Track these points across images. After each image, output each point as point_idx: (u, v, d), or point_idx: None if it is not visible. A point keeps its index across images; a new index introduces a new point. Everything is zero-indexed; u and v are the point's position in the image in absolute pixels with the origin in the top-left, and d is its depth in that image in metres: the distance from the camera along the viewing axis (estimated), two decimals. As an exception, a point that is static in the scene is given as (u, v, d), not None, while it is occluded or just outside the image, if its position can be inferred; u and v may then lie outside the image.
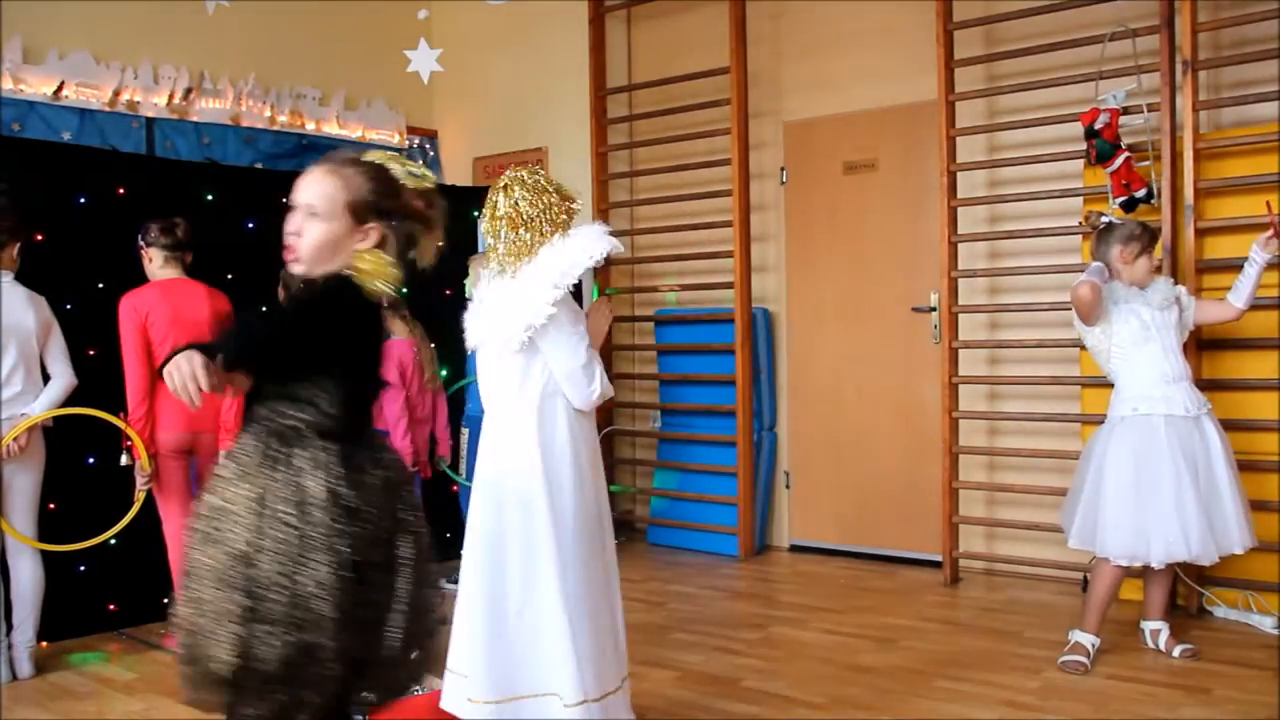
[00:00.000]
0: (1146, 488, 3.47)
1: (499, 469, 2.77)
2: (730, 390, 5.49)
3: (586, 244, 2.72)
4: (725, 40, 5.41)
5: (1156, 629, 3.74)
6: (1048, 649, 3.74)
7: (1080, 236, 4.48)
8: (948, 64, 4.76)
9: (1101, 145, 4.23)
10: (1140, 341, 3.58)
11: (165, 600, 3.78)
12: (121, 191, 4.41)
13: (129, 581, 4.29)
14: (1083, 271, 3.64)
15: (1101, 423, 3.72)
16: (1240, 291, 3.65)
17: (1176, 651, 3.64)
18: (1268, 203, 3.61)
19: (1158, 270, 3.76)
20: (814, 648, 3.90)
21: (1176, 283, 3.85)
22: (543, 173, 2.83)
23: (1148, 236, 3.63)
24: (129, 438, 3.85)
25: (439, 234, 2.23)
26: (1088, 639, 3.60)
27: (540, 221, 2.73)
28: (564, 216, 2.77)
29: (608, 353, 5.88)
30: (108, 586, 4.28)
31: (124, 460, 3.91)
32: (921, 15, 4.91)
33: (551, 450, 2.72)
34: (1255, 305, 4.03)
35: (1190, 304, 3.72)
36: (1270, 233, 3.57)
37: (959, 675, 3.54)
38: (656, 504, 5.95)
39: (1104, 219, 3.70)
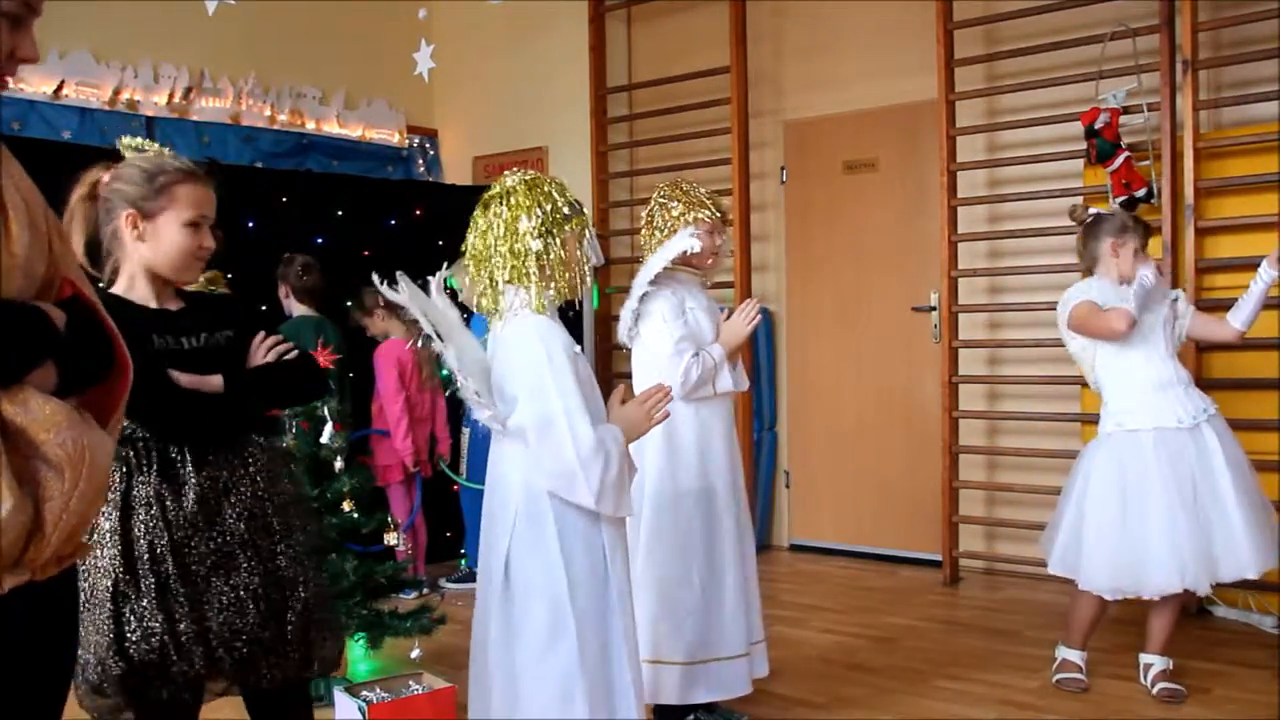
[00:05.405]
0: (1134, 516, 3.17)
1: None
2: (730, 390, 5.47)
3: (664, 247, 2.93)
4: (725, 39, 5.41)
5: (1150, 663, 3.38)
6: (1047, 649, 3.72)
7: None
8: (948, 63, 4.76)
9: (1102, 145, 4.23)
10: (1124, 345, 3.27)
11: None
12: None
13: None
14: (1079, 271, 3.57)
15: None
16: (1240, 312, 3.31)
17: (1157, 689, 3.28)
18: None
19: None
20: (814, 647, 3.90)
21: (1175, 286, 3.78)
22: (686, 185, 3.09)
23: (1141, 229, 3.35)
24: None
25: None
26: (1075, 655, 3.43)
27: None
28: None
29: (606, 351, 5.88)
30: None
31: None
32: (921, 15, 4.91)
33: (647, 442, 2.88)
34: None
35: (1186, 312, 3.39)
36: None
37: (959, 675, 3.55)
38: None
39: (1090, 212, 3.47)
